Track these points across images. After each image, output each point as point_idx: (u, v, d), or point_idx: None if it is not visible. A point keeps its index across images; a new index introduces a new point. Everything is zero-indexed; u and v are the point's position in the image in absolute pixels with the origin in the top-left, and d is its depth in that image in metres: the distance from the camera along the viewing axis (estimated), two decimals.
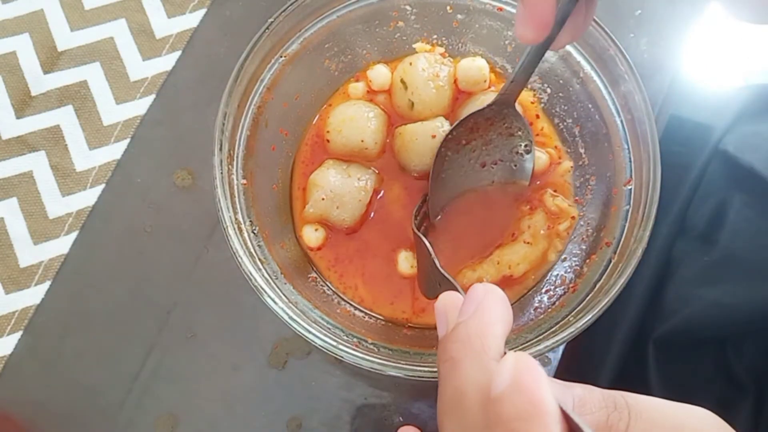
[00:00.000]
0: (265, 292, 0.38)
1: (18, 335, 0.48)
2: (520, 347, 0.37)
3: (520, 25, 0.32)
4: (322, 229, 0.46)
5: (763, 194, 0.47)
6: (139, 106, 0.53)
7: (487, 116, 0.43)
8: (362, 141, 0.45)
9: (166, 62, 0.53)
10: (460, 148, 0.44)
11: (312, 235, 0.45)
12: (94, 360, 0.47)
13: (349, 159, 0.47)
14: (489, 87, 0.48)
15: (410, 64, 0.46)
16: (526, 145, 0.44)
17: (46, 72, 0.53)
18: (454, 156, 0.44)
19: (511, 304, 0.44)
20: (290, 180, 0.47)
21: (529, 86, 0.48)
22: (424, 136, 0.45)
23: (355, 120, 0.46)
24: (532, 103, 0.48)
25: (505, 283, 0.44)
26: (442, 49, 0.48)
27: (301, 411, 0.46)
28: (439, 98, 0.46)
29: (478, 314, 0.25)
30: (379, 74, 0.48)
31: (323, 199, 0.44)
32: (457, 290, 0.30)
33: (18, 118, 0.52)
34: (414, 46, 0.48)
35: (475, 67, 0.47)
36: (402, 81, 0.46)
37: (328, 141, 0.46)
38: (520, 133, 0.44)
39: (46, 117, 0.52)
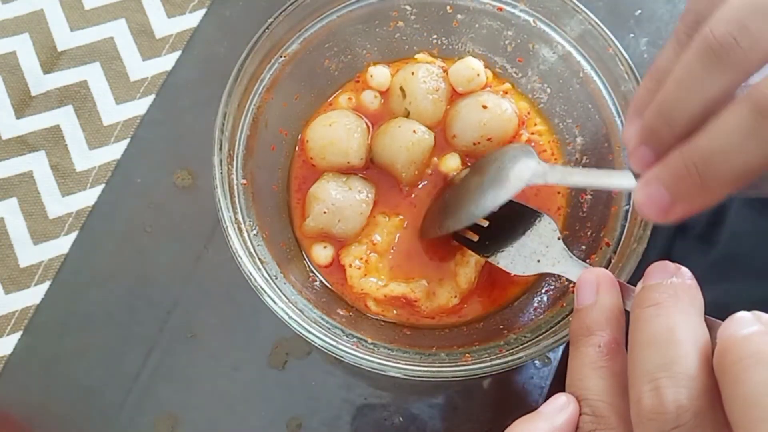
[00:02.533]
0: (265, 292, 0.38)
1: (18, 335, 0.48)
2: (521, 347, 0.37)
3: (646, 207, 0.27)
4: (331, 246, 0.45)
5: None
6: (139, 106, 0.53)
7: None
8: (348, 162, 0.46)
9: (166, 62, 0.53)
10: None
11: (321, 254, 0.45)
12: (94, 360, 0.47)
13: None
14: (486, 86, 0.48)
15: (412, 74, 0.46)
16: None
17: (46, 72, 0.53)
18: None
19: (511, 305, 0.45)
20: (290, 180, 0.47)
21: (528, 86, 0.48)
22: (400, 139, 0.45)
23: (335, 144, 0.45)
24: (528, 114, 0.48)
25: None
26: (441, 62, 0.48)
27: (301, 411, 0.46)
28: (435, 111, 0.47)
29: (681, 279, 0.27)
30: (380, 74, 0.48)
31: (324, 212, 0.44)
32: None
33: (18, 118, 0.52)
34: (416, 56, 0.48)
35: (463, 66, 0.47)
36: (401, 89, 0.46)
37: (313, 165, 0.47)
38: None
39: (46, 117, 0.52)
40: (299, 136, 0.48)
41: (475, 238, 0.43)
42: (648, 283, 0.27)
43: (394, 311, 0.44)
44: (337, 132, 0.45)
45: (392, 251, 0.45)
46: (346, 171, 0.46)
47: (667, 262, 0.28)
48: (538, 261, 0.39)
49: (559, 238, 0.39)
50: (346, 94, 0.49)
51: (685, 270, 0.28)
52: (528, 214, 0.41)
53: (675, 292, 0.26)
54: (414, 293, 0.44)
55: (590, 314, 0.30)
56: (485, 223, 0.42)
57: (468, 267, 0.44)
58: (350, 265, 0.44)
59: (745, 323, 0.23)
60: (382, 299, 0.44)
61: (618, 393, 0.27)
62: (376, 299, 0.44)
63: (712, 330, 0.25)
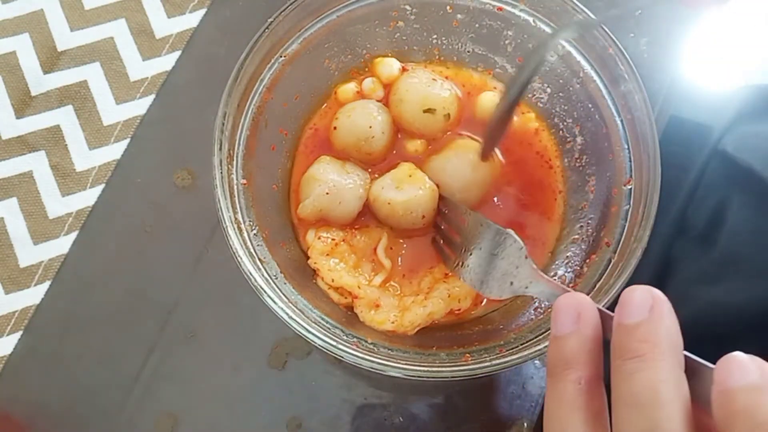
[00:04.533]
0: (265, 292, 0.38)
1: (18, 335, 0.48)
2: (521, 347, 0.37)
3: None
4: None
5: (762, 194, 0.48)
6: (139, 106, 0.53)
7: None
8: (370, 127, 0.45)
9: (166, 62, 0.54)
10: None
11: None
12: (94, 360, 0.47)
13: (347, 156, 0.46)
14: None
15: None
16: None
17: (46, 72, 0.53)
18: None
19: (511, 304, 0.45)
20: (290, 180, 0.47)
21: (528, 86, 0.48)
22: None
23: (363, 105, 0.46)
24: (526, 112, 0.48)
25: (451, 316, 0.44)
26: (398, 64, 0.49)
27: (301, 411, 0.46)
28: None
29: (658, 316, 0.26)
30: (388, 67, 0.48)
31: (327, 193, 0.44)
32: None
33: (18, 118, 0.52)
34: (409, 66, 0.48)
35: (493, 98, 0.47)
36: (429, 110, 0.46)
37: (335, 128, 0.46)
38: None
39: (46, 117, 0.52)
40: (303, 129, 0.48)
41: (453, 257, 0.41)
42: (625, 321, 0.26)
43: (338, 297, 0.44)
44: (366, 103, 0.47)
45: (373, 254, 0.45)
46: (365, 143, 0.45)
47: (642, 289, 0.27)
48: (511, 283, 0.37)
49: (526, 257, 0.37)
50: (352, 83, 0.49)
51: (661, 298, 0.27)
52: (494, 232, 0.39)
53: (657, 340, 0.25)
54: (358, 290, 0.43)
55: (569, 345, 0.28)
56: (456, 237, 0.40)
57: (421, 311, 0.42)
58: (318, 237, 0.44)
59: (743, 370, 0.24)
60: (330, 282, 0.44)
61: None
62: (326, 281, 0.44)
63: (698, 374, 0.25)
